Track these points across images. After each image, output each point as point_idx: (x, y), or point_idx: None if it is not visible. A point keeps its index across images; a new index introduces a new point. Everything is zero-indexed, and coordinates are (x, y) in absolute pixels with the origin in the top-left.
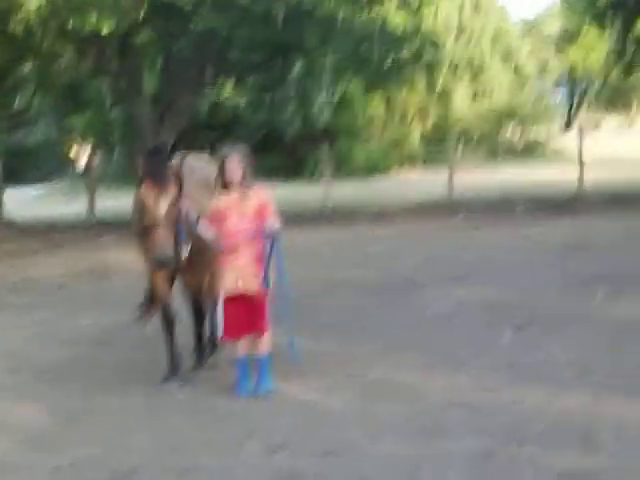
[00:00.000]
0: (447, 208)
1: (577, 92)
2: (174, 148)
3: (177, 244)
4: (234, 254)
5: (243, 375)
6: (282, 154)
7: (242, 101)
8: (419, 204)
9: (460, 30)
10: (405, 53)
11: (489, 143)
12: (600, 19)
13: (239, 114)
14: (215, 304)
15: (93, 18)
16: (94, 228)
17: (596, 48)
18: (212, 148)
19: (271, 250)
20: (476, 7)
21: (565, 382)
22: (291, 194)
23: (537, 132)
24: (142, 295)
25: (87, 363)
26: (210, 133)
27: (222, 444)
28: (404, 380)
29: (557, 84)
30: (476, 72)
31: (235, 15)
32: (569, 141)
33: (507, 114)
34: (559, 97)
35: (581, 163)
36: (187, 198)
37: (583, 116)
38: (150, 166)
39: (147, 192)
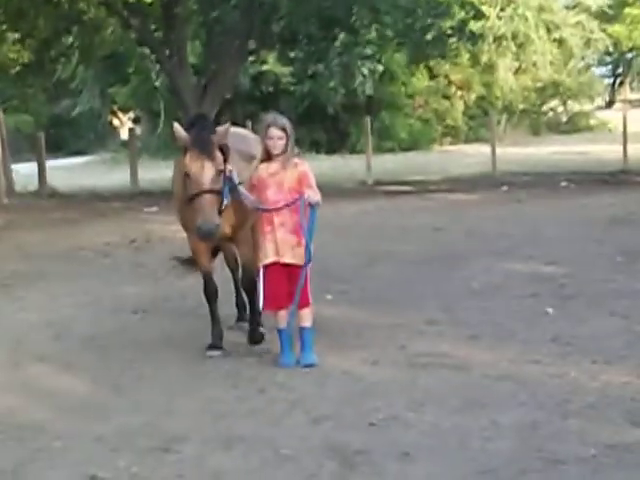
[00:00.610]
0: (490, 182)
1: (621, 67)
2: (217, 119)
3: (221, 214)
4: (273, 225)
5: (286, 346)
6: (325, 126)
7: (285, 72)
8: (462, 178)
9: (505, 2)
10: (450, 24)
11: (533, 117)
12: None
13: (282, 85)
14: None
15: None
16: (137, 197)
17: None
18: (254, 119)
19: (311, 222)
20: None
21: (611, 356)
22: (333, 167)
23: (581, 106)
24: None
25: (131, 332)
26: (253, 104)
27: (266, 414)
28: (449, 352)
29: (601, 58)
30: (520, 45)
31: None
32: (613, 115)
33: (551, 88)
34: (603, 71)
35: (625, 137)
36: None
37: (627, 91)
38: (194, 135)
39: (191, 161)
